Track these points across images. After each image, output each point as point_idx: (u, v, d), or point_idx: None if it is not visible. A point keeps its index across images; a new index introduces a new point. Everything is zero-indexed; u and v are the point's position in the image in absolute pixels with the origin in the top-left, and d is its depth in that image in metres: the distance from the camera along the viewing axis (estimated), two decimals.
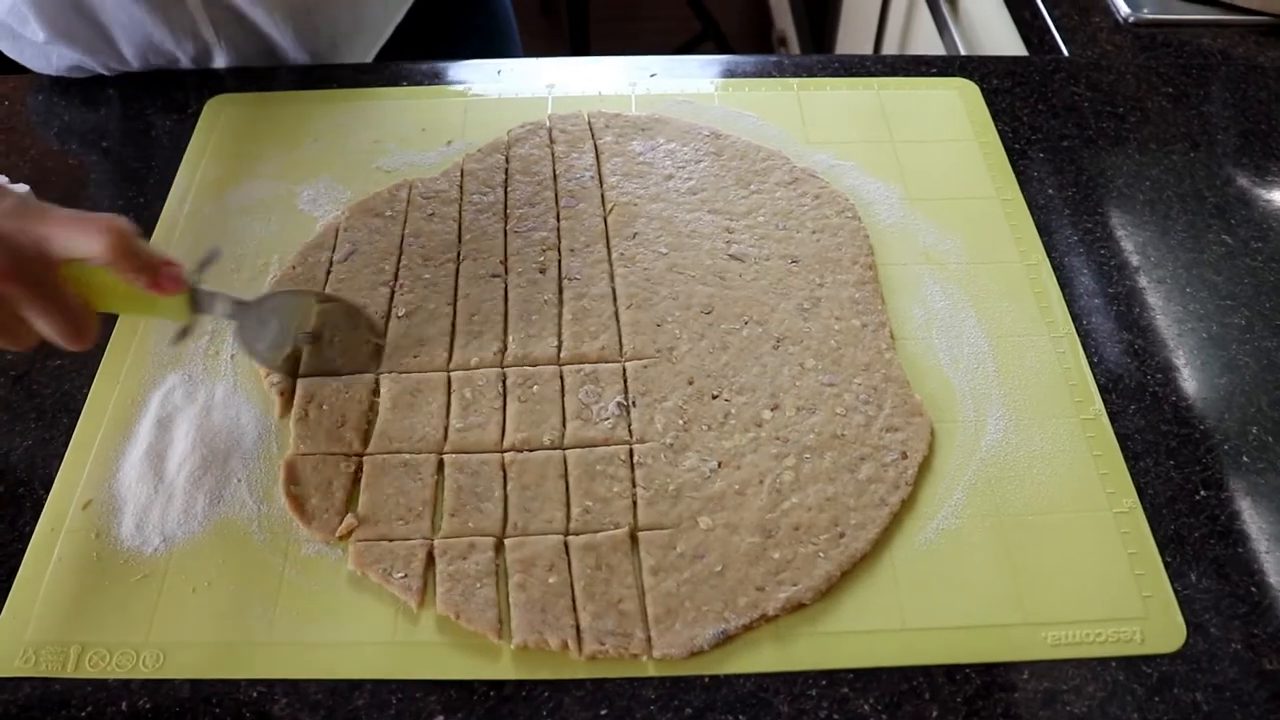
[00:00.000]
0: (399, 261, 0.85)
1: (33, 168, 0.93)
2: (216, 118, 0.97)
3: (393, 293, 0.82)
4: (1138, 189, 0.92)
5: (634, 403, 0.75)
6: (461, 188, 0.90)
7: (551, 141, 0.94)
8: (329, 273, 0.84)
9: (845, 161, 0.93)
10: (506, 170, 0.91)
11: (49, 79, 1.02)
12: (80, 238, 0.64)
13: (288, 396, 0.76)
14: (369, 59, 1.11)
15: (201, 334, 0.80)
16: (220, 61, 1.04)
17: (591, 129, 0.95)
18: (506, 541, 0.68)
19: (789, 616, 0.66)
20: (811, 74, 1.02)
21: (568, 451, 0.72)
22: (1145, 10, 1.10)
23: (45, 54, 1.01)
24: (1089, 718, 0.62)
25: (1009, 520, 0.70)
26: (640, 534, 0.69)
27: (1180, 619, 0.66)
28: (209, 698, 0.63)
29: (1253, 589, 0.68)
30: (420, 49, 1.16)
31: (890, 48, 1.87)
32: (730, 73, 1.03)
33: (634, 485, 0.71)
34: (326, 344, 0.79)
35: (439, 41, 1.19)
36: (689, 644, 0.64)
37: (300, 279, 0.83)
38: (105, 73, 1.02)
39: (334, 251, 0.85)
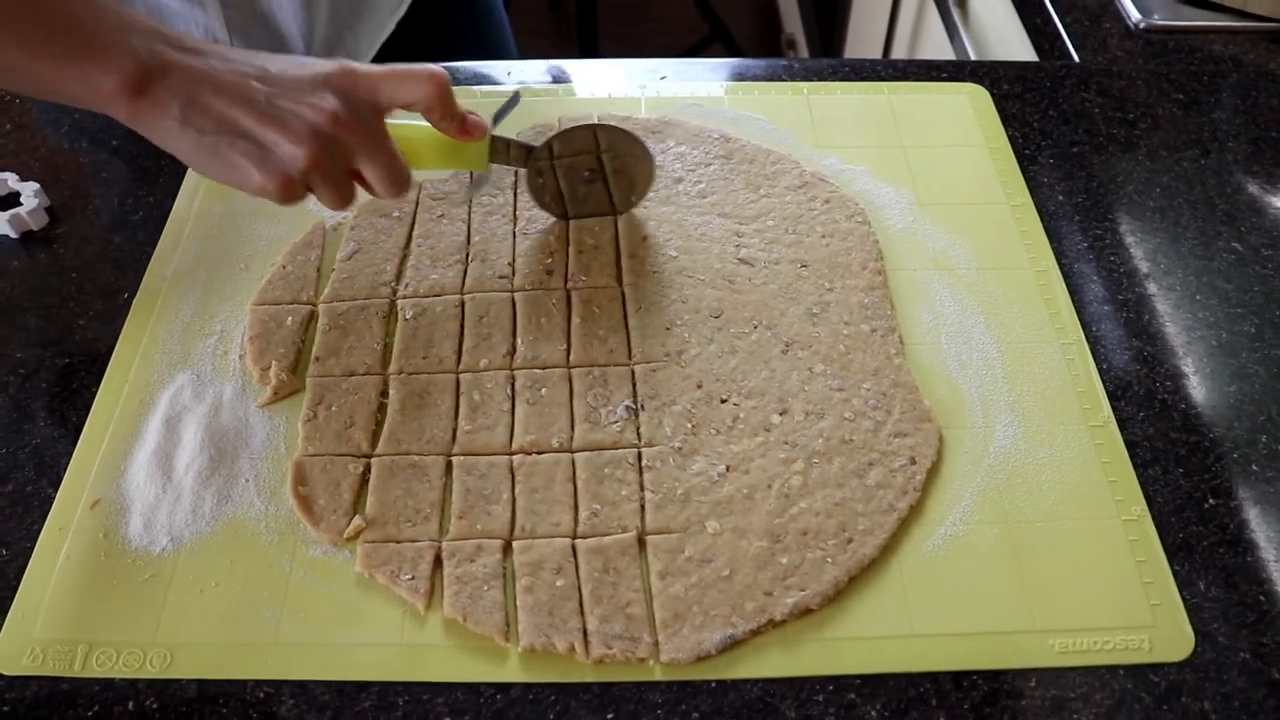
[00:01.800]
0: (401, 264, 0.85)
1: (43, 166, 0.93)
2: None
3: (394, 294, 0.82)
4: (1148, 195, 0.92)
5: (642, 406, 0.75)
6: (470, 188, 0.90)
7: None
8: (320, 271, 0.84)
9: (855, 166, 0.93)
10: (517, 171, 0.91)
11: None
12: (407, 85, 0.71)
13: (279, 390, 0.76)
14: (373, 52, 1.11)
15: (210, 333, 0.80)
16: None
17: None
18: (514, 544, 0.68)
19: (796, 622, 0.66)
20: (822, 78, 1.02)
21: (576, 454, 0.72)
22: (1156, 16, 1.10)
23: None
24: None
25: (1017, 527, 0.70)
26: (648, 538, 0.69)
27: (1188, 627, 0.66)
28: (216, 698, 0.63)
29: (1261, 598, 0.67)
30: (418, 46, 1.16)
31: (899, 52, 1.87)
32: (740, 76, 1.03)
33: (642, 489, 0.71)
34: (625, 179, 0.85)
35: (437, 40, 1.19)
36: (696, 649, 0.64)
37: (291, 278, 0.83)
38: None
39: (322, 250, 0.86)
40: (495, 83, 1.02)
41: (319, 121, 0.68)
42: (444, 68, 0.71)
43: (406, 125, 0.76)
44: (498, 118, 0.81)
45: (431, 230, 0.87)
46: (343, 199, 0.72)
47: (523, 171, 0.84)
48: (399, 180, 0.73)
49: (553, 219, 0.87)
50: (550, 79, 1.03)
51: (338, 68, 0.70)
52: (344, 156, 0.70)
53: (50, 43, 0.67)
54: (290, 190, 0.69)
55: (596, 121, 0.84)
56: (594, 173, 0.85)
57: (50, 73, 0.68)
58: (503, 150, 0.80)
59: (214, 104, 0.67)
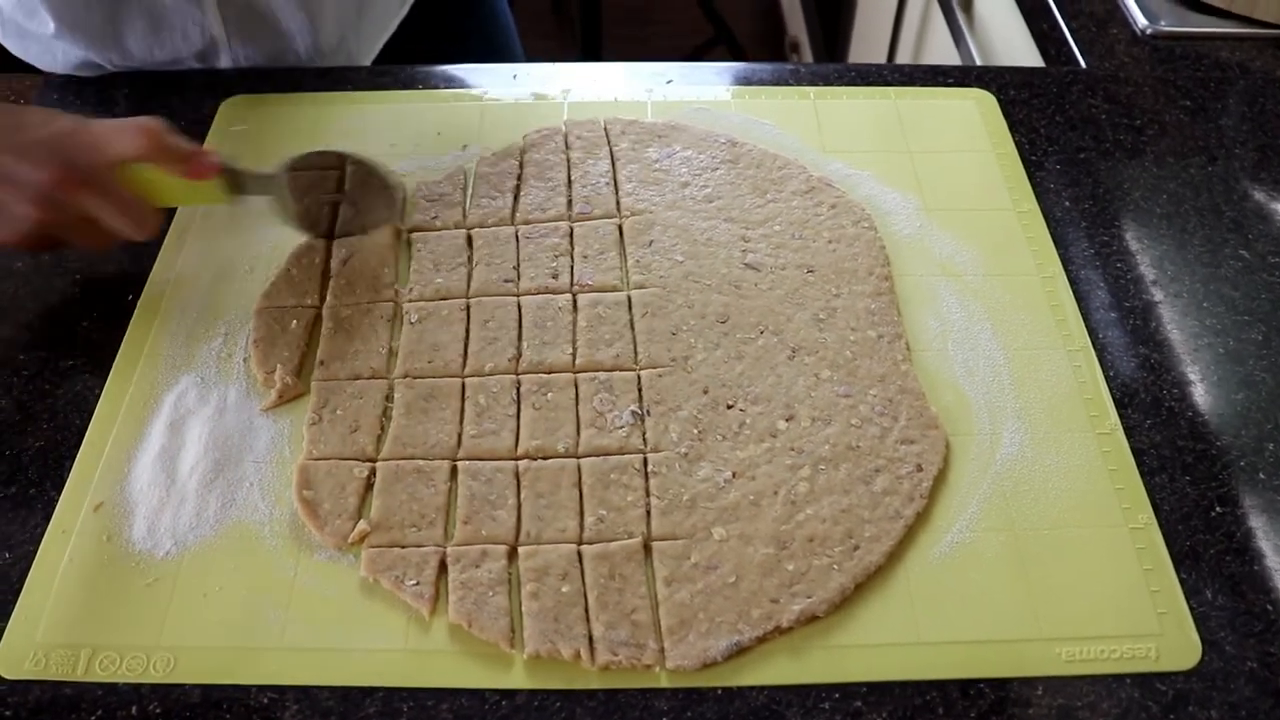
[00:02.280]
0: (398, 266, 0.85)
1: None
2: (230, 119, 0.97)
3: (398, 297, 0.82)
4: (1154, 202, 0.92)
5: (648, 411, 0.75)
6: (465, 191, 0.90)
7: (567, 147, 0.94)
8: (325, 274, 0.84)
9: (861, 171, 0.93)
10: (520, 175, 0.91)
11: (61, 79, 1.02)
12: (123, 139, 0.75)
13: (284, 394, 0.76)
14: (374, 54, 1.11)
15: (215, 336, 0.80)
16: (225, 60, 1.04)
17: (608, 135, 0.95)
18: (519, 550, 0.68)
19: (802, 629, 0.65)
20: (828, 82, 1.02)
21: (582, 460, 0.72)
22: (1163, 22, 1.10)
23: (52, 50, 1.02)
24: None
25: (1024, 534, 0.70)
26: (654, 544, 0.68)
27: (1195, 636, 0.66)
28: (219, 703, 0.63)
29: (1268, 606, 0.67)
30: (423, 48, 1.16)
31: (904, 55, 1.87)
32: (746, 80, 1.03)
33: (648, 495, 0.71)
34: (349, 205, 0.87)
35: (442, 41, 1.19)
36: (702, 655, 0.64)
37: (295, 282, 0.83)
38: (110, 68, 1.03)
39: (327, 254, 0.86)
40: (500, 85, 1.02)
41: (43, 182, 0.73)
42: (449, 70, 0.71)
43: (148, 168, 0.78)
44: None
45: (430, 233, 0.86)
46: (96, 244, 0.79)
47: (525, 167, 0.84)
48: (137, 223, 0.77)
49: (553, 221, 0.87)
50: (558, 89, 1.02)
51: (65, 129, 0.75)
52: (76, 210, 0.75)
53: None
54: (29, 244, 0.78)
55: (337, 152, 0.87)
56: (334, 196, 0.87)
57: None
58: (242, 183, 0.82)
59: None
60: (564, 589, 0.66)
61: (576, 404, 0.75)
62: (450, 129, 0.95)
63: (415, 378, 0.77)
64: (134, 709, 0.62)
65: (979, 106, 0.99)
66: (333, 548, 0.69)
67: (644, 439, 0.73)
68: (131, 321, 0.81)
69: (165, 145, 0.77)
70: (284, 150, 0.89)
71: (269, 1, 1.00)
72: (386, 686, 0.63)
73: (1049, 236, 0.88)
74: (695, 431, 0.74)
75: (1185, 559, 0.69)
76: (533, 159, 0.92)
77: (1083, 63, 1.07)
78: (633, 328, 0.80)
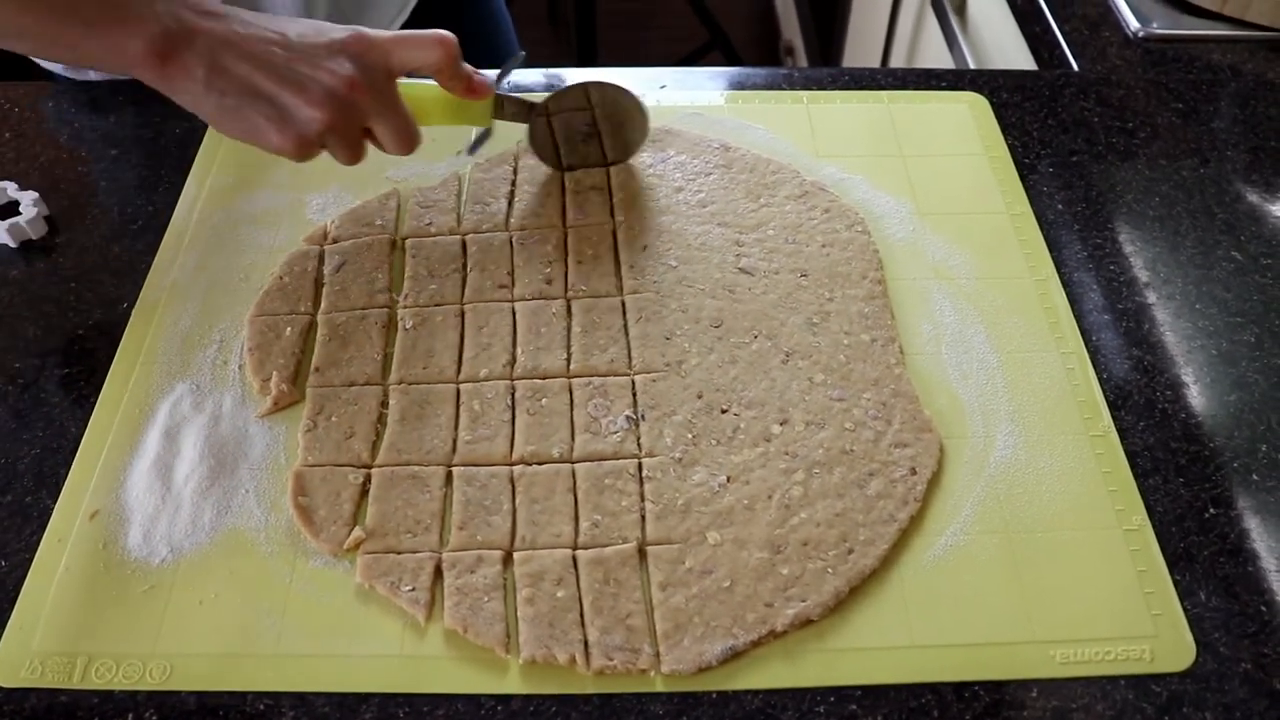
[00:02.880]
0: (391, 271, 0.85)
1: (42, 174, 0.93)
2: None
3: (393, 304, 0.82)
4: (1147, 204, 0.92)
5: (643, 416, 0.75)
6: (459, 197, 0.90)
7: None
8: (318, 282, 0.84)
9: (855, 175, 0.93)
10: (514, 181, 0.91)
11: (58, 87, 1.02)
12: (418, 50, 0.76)
13: (279, 401, 0.76)
14: None
15: (210, 343, 0.80)
16: None
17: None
18: (515, 555, 0.68)
19: (797, 632, 0.66)
20: (822, 87, 1.02)
21: (576, 465, 0.72)
22: (1155, 25, 1.10)
23: None
24: None
25: (1018, 537, 0.70)
26: (649, 549, 0.69)
27: (1189, 638, 0.66)
28: (215, 710, 0.63)
29: (1262, 608, 0.67)
30: None
31: (898, 59, 1.87)
32: (740, 85, 1.03)
33: (643, 499, 0.71)
34: (607, 134, 0.91)
35: None
36: (697, 660, 0.64)
37: (289, 289, 0.83)
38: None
39: (321, 260, 0.86)
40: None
41: (335, 85, 0.73)
42: None
43: (416, 85, 0.82)
44: (501, 76, 0.88)
45: (424, 240, 0.86)
46: (354, 156, 0.78)
47: (519, 173, 0.88)
48: (408, 138, 0.78)
49: (547, 226, 0.87)
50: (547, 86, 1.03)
51: (353, 34, 0.75)
52: (358, 117, 0.75)
53: (78, 8, 0.70)
54: (306, 149, 0.75)
55: (591, 80, 0.88)
56: (591, 128, 0.90)
57: (78, 39, 0.72)
58: (505, 107, 0.86)
59: (236, 68, 0.72)
60: (559, 594, 0.66)
61: (571, 409, 0.75)
62: (445, 134, 0.95)
63: (410, 384, 0.77)
64: (130, 716, 0.62)
65: (972, 110, 1.00)
66: (328, 554, 0.69)
67: (638, 444, 0.74)
68: (127, 329, 0.81)
69: (456, 61, 0.78)
70: (279, 158, 0.90)
71: (269, 4, 1.00)
72: (382, 692, 0.63)
73: (1042, 239, 0.88)
74: (689, 436, 0.74)
75: (1179, 561, 0.69)
76: (526, 164, 0.93)
77: (1075, 65, 1.07)
78: (627, 333, 0.80)
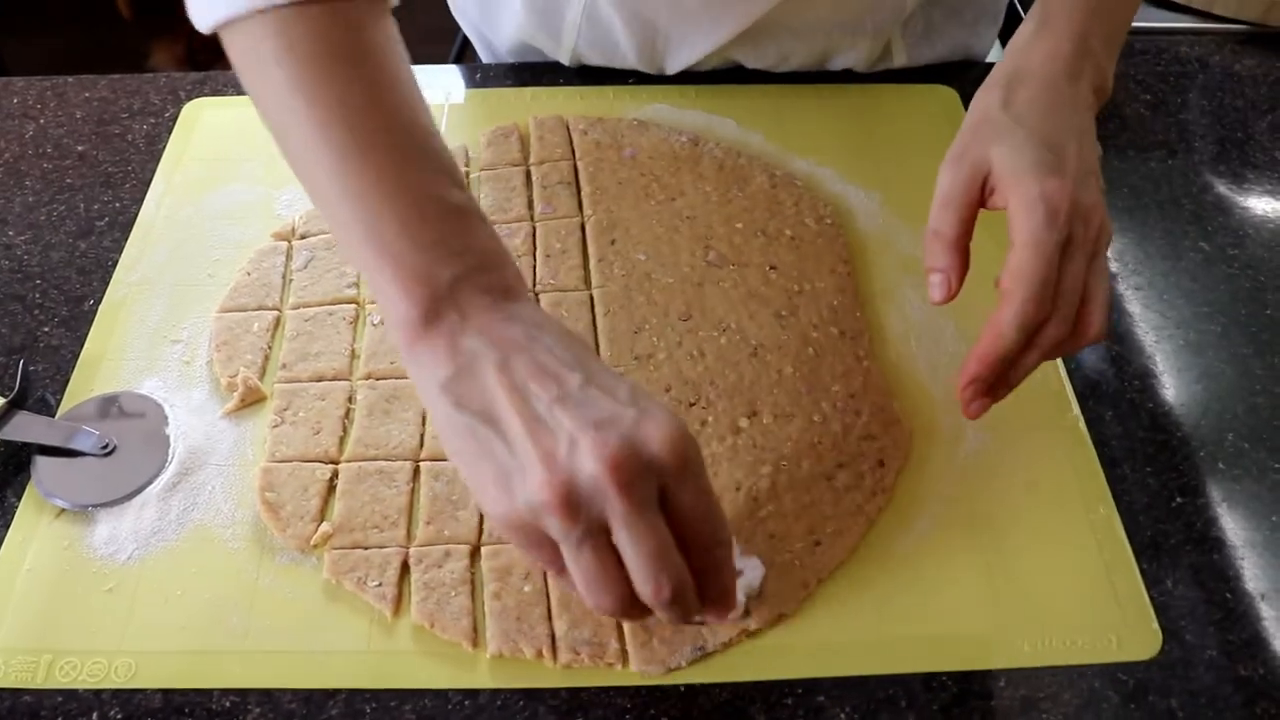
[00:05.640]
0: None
1: (7, 171, 0.92)
2: (194, 121, 0.97)
3: (360, 298, 0.82)
4: (1115, 196, 0.92)
5: None
6: None
7: (525, 146, 0.94)
8: (284, 277, 0.84)
9: (825, 169, 0.93)
10: (480, 175, 0.91)
11: (21, 83, 1.02)
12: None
13: (246, 397, 0.76)
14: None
15: (177, 340, 0.80)
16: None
17: (570, 133, 0.95)
18: (482, 550, 0.68)
19: (766, 626, 0.66)
20: (791, 80, 1.02)
21: None
22: None
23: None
24: None
25: (986, 528, 0.70)
26: None
27: (1156, 625, 0.66)
28: (181, 707, 0.62)
29: (1228, 595, 0.68)
30: None
31: None
32: (710, 78, 1.03)
33: None
34: None
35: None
36: (666, 662, 0.63)
37: (256, 285, 0.83)
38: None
39: (289, 256, 0.85)
40: (464, 84, 1.02)
41: (585, 458, 0.51)
42: (413, 69, 0.72)
43: None
44: None
45: None
46: (609, 592, 0.53)
47: (486, 168, 0.88)
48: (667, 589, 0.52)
49: (515, 221, 0.87)
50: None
51: (674, 424, 0.53)
52: (600, 516, 0.52)
53: (380, 230, 0.56)
54: (517, 531, 0.54)
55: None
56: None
57: (371, 266, 0.57)
58: None
59: (488, 378, 0.54)
60: (526, 589, 0.66)
61: None
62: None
63: (378, 379, 0.77)
64: (95, 715, 0.62)
65: (942, 103, 1.00)
66: (295, 550, 0.68)
67: None
68: (93, 326, 0.80)
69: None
70: (248, 152, 0.89)
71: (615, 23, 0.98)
72: (349, 688, 0.63)
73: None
74: None
75: (1146, 549, 0.70)
76: (488, 159, 0.92)
77: None
78: (595, 327, 0.80)
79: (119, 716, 0.62)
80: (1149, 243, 0.89)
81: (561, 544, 0.53)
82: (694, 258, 0.84)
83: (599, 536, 0.52)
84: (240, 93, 1.00)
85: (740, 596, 0.63)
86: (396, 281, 0.55)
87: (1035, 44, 0.71)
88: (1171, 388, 0.79)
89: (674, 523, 0.53)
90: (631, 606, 0.53)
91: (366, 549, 0.68)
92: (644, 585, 0.52)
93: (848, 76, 1.02)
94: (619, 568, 0.52)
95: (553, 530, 0.52)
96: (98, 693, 0.63)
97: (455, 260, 0.56)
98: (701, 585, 0.54)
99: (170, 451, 0.73)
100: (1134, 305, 0.84)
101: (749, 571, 0.65)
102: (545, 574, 0.66)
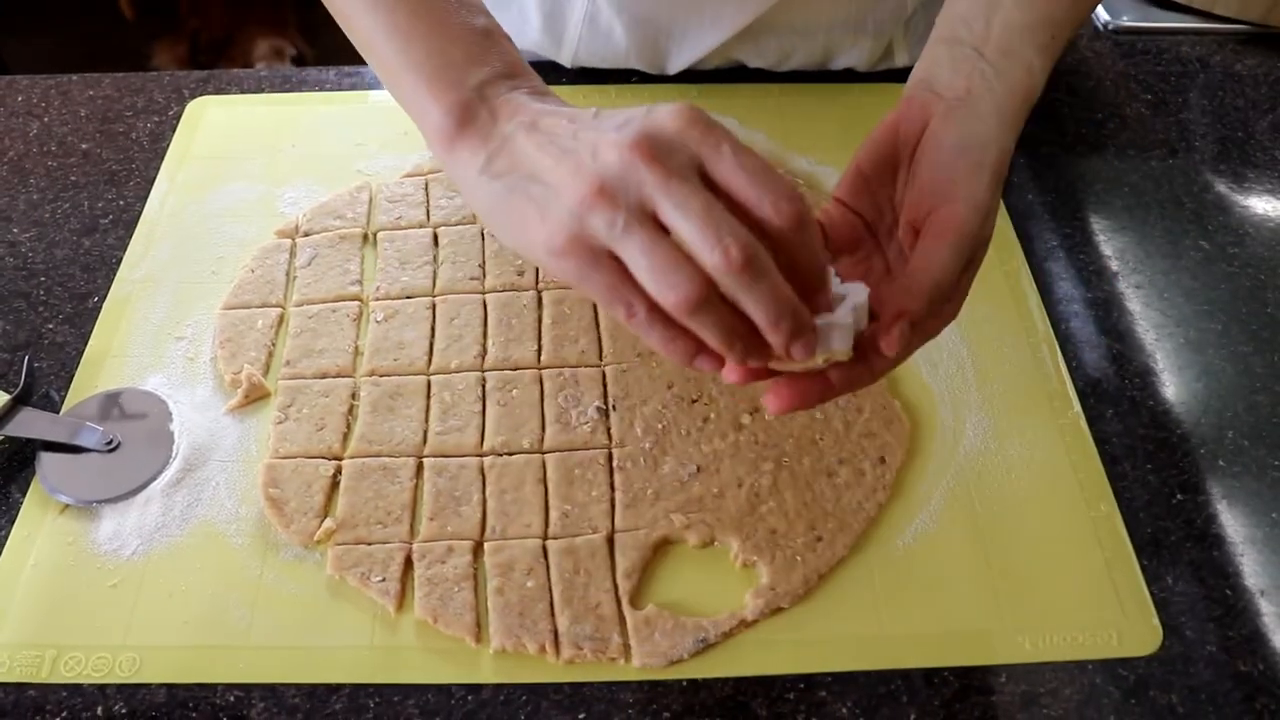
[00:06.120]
0: (362, 264, 0.85)
1: (11, 169, 0.93)
2: (198, 119, 0.97)
3: (363, 295, 0.82)
4: (1116, 195, 0.93)
5: (613, 407, 0.75)
6: (427, 190, 0.90)
7: None
8: (288, 274, 0.84)
9: (826, 167, 0.93)
10: None
11: (26, 81, 1.02)
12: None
13: (250, 394, 0.76)
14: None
15: (181, 337, 0.80)
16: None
17: None
18: (485, 545, 0.68)
19: (767, 621, 0.66)
20: (793, 79, 1.02)
21: (547, 455, 0.72)
22: (1124, 18, 1.11)
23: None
24: None
25: (987, 524, 0.70)
26: (618, 537, 0.69)
27: (1156, 622, 0.66)
28: (185, 702, 0.63)
29: (1228, 591, 0.68)
30: None
31: None
32: (710, 77, 1.03)
33: (613, 489, 0.71)
34: None
35: None
36: (668, 654, 0.64)
37: (259, 282, 0.83)
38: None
39: (292, 253, 0.85)
40: None
41: (609, 151, 0.50)
42: None
43: None
44: None
45: (395, 233, 0.86)
46: (658, 266, 0.49)
47: None
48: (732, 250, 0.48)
49: None
50: None
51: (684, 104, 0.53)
52: (641, 196, 0.49)
53: (410, 51, 0.60)
54: (571, 253, 0.51)
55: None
56: None
57: (406, 92, 0.61)
58: None
59: (521, 146, 0.55)
60: (529, 584, 0.66)
61: (541, 400, 0.75)
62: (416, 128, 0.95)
63: (381, 375, 0.77)
64: (99, 709, 0.62)
65: None
66: (299, 546, 0.69)
67: (609, 434, 0.74)
68: (97, 323, 0.81)
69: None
70: (251, 151, 0.89)
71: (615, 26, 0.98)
72: (353, 683, 0.63)
73: (1012, 229, 0.88)
74: (660, 426, 0.74)
75: (1147, 546, 0.70)
76: None
77: None
78: (597, 324, 0.80)
79: (123, 711, 0.62)
80: (1149, 241, 0.89)
81: (614, 245, 0.49)
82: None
83: (647, 223, 0.49)
84: (243, 92, 1.00)
85: (847, 318, 0.53)
86: (429, 93, 0.58)
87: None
88: (1172, 385, 0.79)
89: (728, 197, 0.50)
90: (712, 306, 0.49)
91: (370, 545, 0.68)
92: (709, 255, 0.47)
93: (849, 76, 1.02)
94: (681, 250, 0.49)
95: (599, 231, 0.49)
96: (102, 687, 0.63)
97: (482, 68, 0.59)
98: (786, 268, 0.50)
99: (174, 448, 0.73)
100: (1134, 303, 0.84)
101: (853, 294, 0.55)
102: (548, 571, 0.67)
